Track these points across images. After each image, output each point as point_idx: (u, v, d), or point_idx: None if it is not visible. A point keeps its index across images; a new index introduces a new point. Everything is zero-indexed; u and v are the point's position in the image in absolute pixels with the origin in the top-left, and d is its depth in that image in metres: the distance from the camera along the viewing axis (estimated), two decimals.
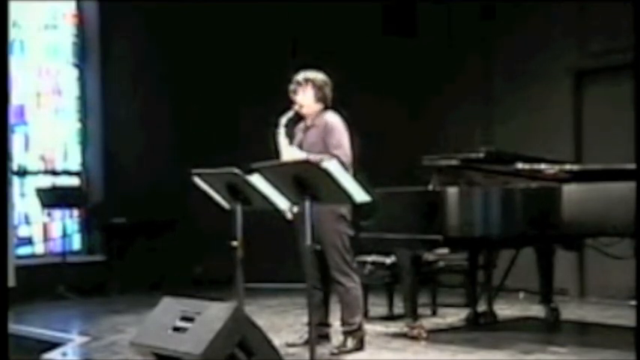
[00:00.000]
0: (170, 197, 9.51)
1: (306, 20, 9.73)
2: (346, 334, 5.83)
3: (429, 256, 7.10)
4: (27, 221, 9.62)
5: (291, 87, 5.97)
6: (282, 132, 5.88)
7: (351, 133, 5.93)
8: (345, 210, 5.79)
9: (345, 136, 5.85)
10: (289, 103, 5.96)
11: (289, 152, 5.81)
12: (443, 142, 8.83)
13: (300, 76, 5.97)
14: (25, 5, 9.54)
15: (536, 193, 6.24)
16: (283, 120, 5.90)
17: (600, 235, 6.21)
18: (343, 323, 5.85)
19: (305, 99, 5.93)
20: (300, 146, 5.91)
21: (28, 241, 9.64)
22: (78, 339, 6.66)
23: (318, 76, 5.98)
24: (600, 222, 5.93)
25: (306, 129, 5.99)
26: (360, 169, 5.73)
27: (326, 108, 5.97)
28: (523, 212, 6.15)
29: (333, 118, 5.91)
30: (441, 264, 7.35)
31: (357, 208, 5.75)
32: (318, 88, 5.92)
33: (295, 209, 5.65)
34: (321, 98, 5.94)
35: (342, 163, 5.47)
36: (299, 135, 6.03)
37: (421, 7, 9.52)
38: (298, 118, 6.02)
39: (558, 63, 8.60)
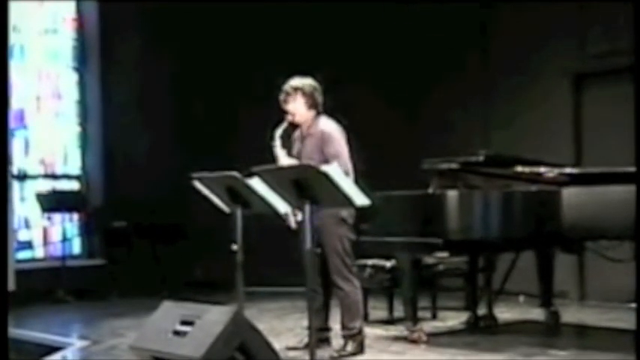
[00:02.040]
0: (170, 201, 9.51)
1: (306, 23, 9.75)
2: (346, 338, 5.82)
3: (428, 260, 7.11)
4: (27, 225, 9.63)
5: (281, 97, 5.93)
6: (277, 144, 5.86)
7: (349, 137, 5.91)
8: (346, 214, 5.76)
9: (343, 144, 5.81)
10: (283, 111, 5.93)
11: (287, 164, 5.77)
12: (442, 145, 8.83)
13: (288, 85, 5.92)
14: (25, 9, 9.55)
15: (536, 197, 6.24)
16: (278, 132, 5.87)
17: (600, 238, 6.20)
18: (343, 327, 5.85)
19: (296, 108, 5.88)
20: (299, 155, 5.88)
21: (28, 245, 9.64)
22: (78, 343, 6.66)
23: (306, 82, 5.93)
24: (600, 225, 5.93)
25: (303, 138, 5.95)
26: (362, 173, 5.73)
27: (318, 113, 5.93)
28: (523, 215, 6.15)
29: (328, 126, 5.86)
30: (441, 267, 7.35)
31: (357, 211, 5.76)
32: (308, 95, 5.87)
33: (300, 217, 5.65)
34: (312, 105, 5.89)
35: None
36: (297, 144, 5.99)
37: (421, 7, 9.52)
38: (294, 126, 5.99)
39: (558, 65, 8.60)
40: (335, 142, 5.77)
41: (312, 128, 5.89)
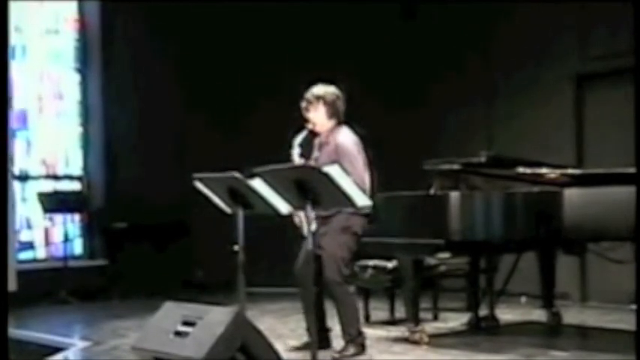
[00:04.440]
0: (171, 202, 9.52)
1: (306, 24, 9.76)
2: (347, 342, 5.81)
3: (430, 261, 7.10)
4: (28, 226, 9.63)
5: (303, 104, 5.88)
6: (296, 152, 5.82)
7: (365, 145, 5.87)
8: (354, 222, 5.72)
9: (359, 158, 5.76)
10: (296, 113, 5.90)
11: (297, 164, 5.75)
12: (443, 147, 8.84)
13: (310, 93, 5.86)
14: (26, 10, 9.56)
15: (538, 198, 6.24)
16: (297, 140, 5.84)
17: (602, 239, 6.21)
18: (343, 332, 5.83)
19: (317, 117, 5.84)
20: (316, 163, 5.79)
21: (30, 245, 9.64)
22: (79, 343, 6.66)
23: (329, 90, 5.87)
24: (601, 226, 5.93)
25: (321, 146, 5.92)
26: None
27: (339, 123, 5.88)
28: (524, 216, 6.15)
29: (344, 139, 5.80)
30: (443, 268, 7.35)
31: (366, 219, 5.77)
32: (329, 104, 5.82)
33: (314, 226, 5.65)
34: (333, 114, 5.84)
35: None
36: (315, 151, 5.95)
37: (422, 9, 9.52)
38: (312, 133, 5.93)
39: (559, 67, 8.61)
40: (349, 155, 5.70)
41: (330, 138, 5.84)
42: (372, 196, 5.24)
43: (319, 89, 5.87)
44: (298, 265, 5.85)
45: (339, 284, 5.74)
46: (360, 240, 5.87)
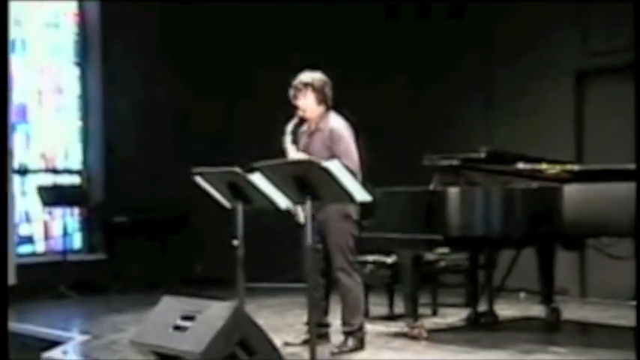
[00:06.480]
0: (171, 196, 9.51)
1: (305, 20, 9.74)
2: (347, 334, 5.81)
3: (429, 256, 7.10)
4: (28, 219, 9.63)
5: (291, 92, 5.87)
6: (288, 139, 5.82)
7: (356, 132, 5.89)
8: (352, 209, 5.74)
9: (351, 142, 5.78)
10: (291, 106, 5.91)
11: (290, 159, 5.75)
12: (443, 142, 8.82)
13: (298, 80, 5.86)
14: (27, 4, 9.54)
15: (537, 193, 6.24)
16: (289, 127, 5.84)
17: (601, 235, 6.21)
18: (344, 323, 5.84)
19: (307, 103, 5.84)
20: (306, 150, 5.82)
21: (29, 239, 9.64)
22: (78, 337, 6.66)
23: (316, 77, 5.87)
24: (601, 222, 5.93)
25: (311, 133, 5.91)
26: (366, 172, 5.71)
27: (328, 109, 5.90)
28: (524, 212, 6.15)
29: (337, 124, 5.82)
30: (442, 264, 7.34)
31: (359, 207, 5.76)
32: (318, 90, 5.82)
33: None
34: (322, 100, 5.85)
35: (351, 171, 5.48)
36: (303, 139, 5.94)
37: (423, 6, 9.51)
38: (301, 120, 5.95)
39: (559, 63, 8.60)
40: (344, 140, 5.75)
41: (322, 124, 5.85)
42: (363, 182, 5.26)
43: (306, 76, 5.87)
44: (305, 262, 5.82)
45: (347, 272, 5.76)
46: (359, 225, 5.87)
